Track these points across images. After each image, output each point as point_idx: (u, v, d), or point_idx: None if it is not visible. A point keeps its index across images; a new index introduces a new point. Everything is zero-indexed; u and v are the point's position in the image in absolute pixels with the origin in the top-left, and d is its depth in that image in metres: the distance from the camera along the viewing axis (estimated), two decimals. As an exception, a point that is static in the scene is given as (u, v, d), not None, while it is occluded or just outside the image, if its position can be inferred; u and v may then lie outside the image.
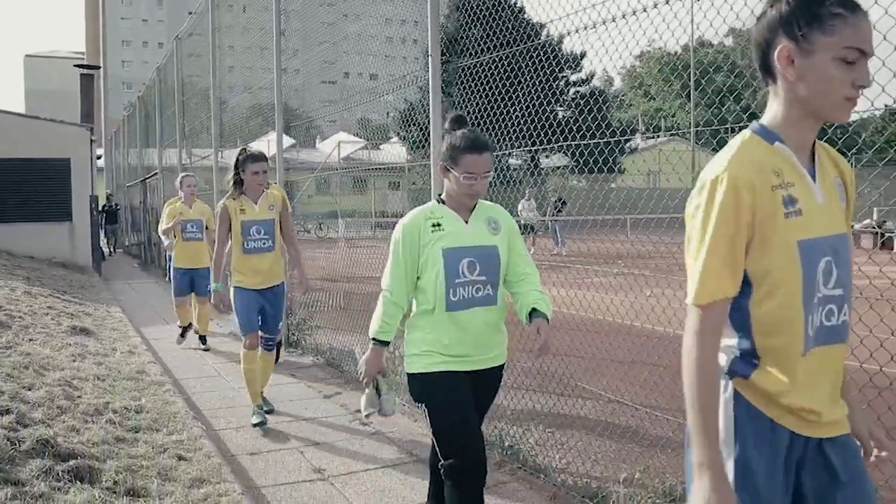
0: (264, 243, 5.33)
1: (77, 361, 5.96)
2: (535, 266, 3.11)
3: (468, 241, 2.92)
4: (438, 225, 2.92)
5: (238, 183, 5.32)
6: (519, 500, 4.00)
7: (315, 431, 5.27)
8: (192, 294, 8.25)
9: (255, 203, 5.34)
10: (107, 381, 5.54)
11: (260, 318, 5.40)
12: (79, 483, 3.38)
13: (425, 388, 2.95)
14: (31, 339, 6.36)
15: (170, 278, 8.67)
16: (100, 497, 3.27)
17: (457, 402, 2.90)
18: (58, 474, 3.38)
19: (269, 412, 5.52)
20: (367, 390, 3.15)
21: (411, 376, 3.00)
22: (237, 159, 5.30)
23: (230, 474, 4.02)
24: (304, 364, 7.47)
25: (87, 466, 3.55)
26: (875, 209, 21.72)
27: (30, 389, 4.69)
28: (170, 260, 8.59)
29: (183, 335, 8.40)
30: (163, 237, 8.59)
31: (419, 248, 2.90)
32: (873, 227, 21.75)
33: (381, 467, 4.54)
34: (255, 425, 5.27)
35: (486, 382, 3.06)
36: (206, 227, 8.19)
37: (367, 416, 3.20)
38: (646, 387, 5.51)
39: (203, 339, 8.27)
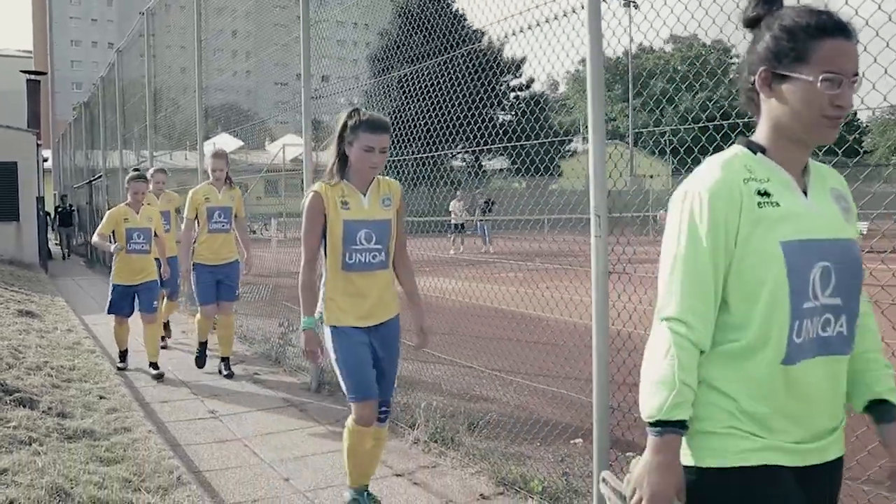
0: (375, 257, 3.52)
1: (22, 335, 7.23)
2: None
3: (820, 230, 1.65)
4: (767, 194, 1.63)
5: (342, 161, 3.52)
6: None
7: (219, 390, 6.58)
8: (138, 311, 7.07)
9: (364, 194, 3.55)
10: (47, 349, 6.82)
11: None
12: (21, 407, 4.68)
13: (733, 496, 1.64)
14: (-18, 319, 7.59)
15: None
16: (37, 415, 4.58)
17: None
18: (5, 401, 4.69)
19: None
20: None
21: (700, 472, 1.67)
22: (344, 123, 3.46)
23: (139, 409, 5.35)
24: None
25: (28, 398, 4.86)
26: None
27: (-18, 352, 5.97)
28: (111, 271, 7.20)
29: (123, 359, 7.18)
30: (96, 240, 7.13)
31: (736, 235, 1.62)
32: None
33: (261, 409, 5.88)
34: None
35: (821, 492, 1.73)
36: (156, 235, 7.09)
37: None
38: (495, 355, 6.93)
39: (155, 365, 6.93)
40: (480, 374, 6.11)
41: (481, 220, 22.69)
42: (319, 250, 3.54)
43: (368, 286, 3.53)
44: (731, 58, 55.39)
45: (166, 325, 8.42)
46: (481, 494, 4.12)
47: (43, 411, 4.72)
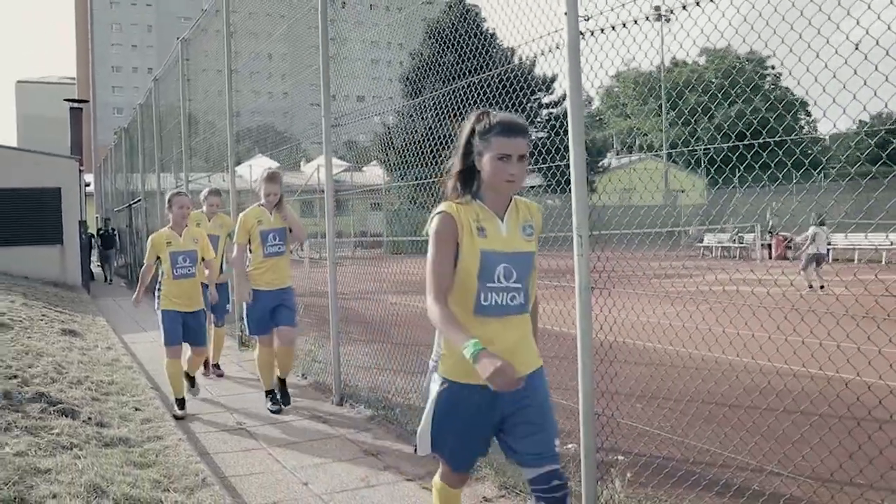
0: (514, 298, 2.78)
1: (66, 352, 7.72)
2: None
3: None
4: None
5: (469, 175, 2.81)
6: (380, 438, 5.75)
7: (247, 404, 6.97)
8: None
9: (502, 219, 2.81)
10: (88, 365, 7.29)
11: (508, 441, 2.84)
12: (63, 417, 5.11)
13: None
14: (29, 337, 8.11)
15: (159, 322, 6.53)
16: (77, 424, 5.00)
17: None
18: (50, 411, 5.12)
19: None
20: None
21: None
22: (472, 129, 2.80)
23: (171, 419, 5.75)
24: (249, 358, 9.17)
25: (70, 409, 5.28)
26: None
27: (30, 367, 6.44)
28: (157, 298, 6.57)
29: (182, 406, 6.38)
30: (143, 272, 6.61)
31: None
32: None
33: (286, 421, 6.25)
34: None
35: None
36: (203, 259, 6.59)
37: None
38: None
39: (192, 379, 6.94)
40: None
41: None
42: (452, 280, 2.74)
43: (501, 334, 2.74)
44: (765, 69, 55.08)
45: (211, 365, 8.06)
46: (485, 497, 4.41)
47: (83, 421, 5.14)
